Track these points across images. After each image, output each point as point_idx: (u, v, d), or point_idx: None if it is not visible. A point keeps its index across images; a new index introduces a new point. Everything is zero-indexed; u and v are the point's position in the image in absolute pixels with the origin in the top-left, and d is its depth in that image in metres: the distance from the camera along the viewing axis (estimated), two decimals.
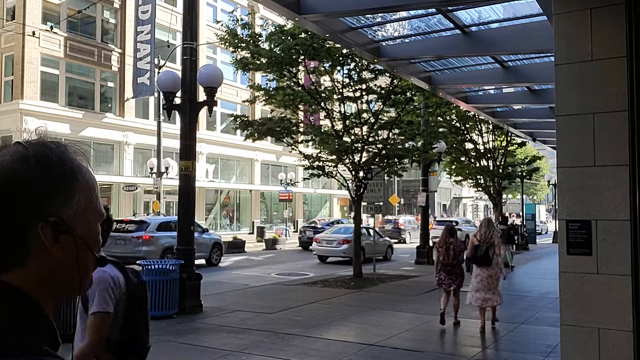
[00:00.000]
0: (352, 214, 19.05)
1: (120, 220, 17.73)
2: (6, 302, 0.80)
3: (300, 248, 26.52)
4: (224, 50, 24.41)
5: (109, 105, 27.37)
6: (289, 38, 13.28)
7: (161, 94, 13.05)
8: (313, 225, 27.82)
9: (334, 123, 15.00)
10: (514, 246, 19.49)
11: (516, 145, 25.92)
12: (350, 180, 15.14)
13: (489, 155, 24.28)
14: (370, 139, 14.85)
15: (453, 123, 22.34)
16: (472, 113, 18.81)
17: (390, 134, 15.30)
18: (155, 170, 23.92)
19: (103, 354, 2.70)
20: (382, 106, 15.09)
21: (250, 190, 35.73)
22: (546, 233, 43.94)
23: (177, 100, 10.40)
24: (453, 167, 25.47)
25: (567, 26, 3.98)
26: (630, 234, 3.68)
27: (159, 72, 22.31)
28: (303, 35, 13.06)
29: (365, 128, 15.05)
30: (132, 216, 22.33)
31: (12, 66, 23.91)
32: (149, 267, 9.33)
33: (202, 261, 18.14)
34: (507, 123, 16.60)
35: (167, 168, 24.05)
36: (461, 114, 21.47)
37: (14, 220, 0.81)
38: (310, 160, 15.04)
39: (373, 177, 15.41)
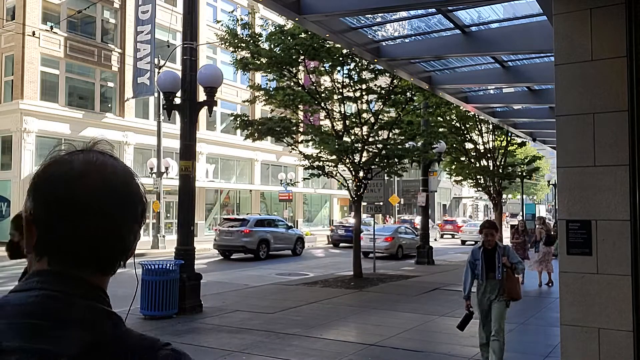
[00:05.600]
0: (353, 214, 19.07)
1: (228, 218, 22.90)
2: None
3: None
4: (224, 50, 24.41)
5: (109, 105, 27.37)
6: (289, 38, 13.27)
7: (161, 94, 13.06)
8: (342, 224, 28.90)
9: (334, 123, 14.99)
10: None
11: (516, 145, 25.89)
12: (350, 180, 15.13)
13: (489, 155, 24.26)
14: (371, 139, 14.84)
15: (453, 123, 22.32)
16: (472, 113, 18.80)
17: (390, 134, 15.29)
18: (155, 170, 23.91)
19: None
20: (382, 106, 15.08)
21: (250, 190, 35.72)
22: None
23: (177, 100, 10.39)
24: (453, 167, 25.45)
25: (567, 26, 3.98)
26: (630, 234, 3.68)
27: (159, 72, 22.30)
28: (303, 35, 13.05)
29: (365, 128, 15.04)
30: (237, 215, 27.74)
31: (12, 66, 23.91)
32: (149, 267, 9.33)
33: (289, 252, 22.50)
34: (507, 123, 16.59)
35: (167, 168, 24.05)
36: (461, 114, 21.45)
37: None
38: (310, 160, 15.03)
39: (373, 177, 15.40)
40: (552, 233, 14.30)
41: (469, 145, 24.20)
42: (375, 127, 14.86)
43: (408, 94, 14.88)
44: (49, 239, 0.86)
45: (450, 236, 38.35)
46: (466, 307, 6.35)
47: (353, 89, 14.64)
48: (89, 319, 0.83)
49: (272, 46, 13.70)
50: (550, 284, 13.85)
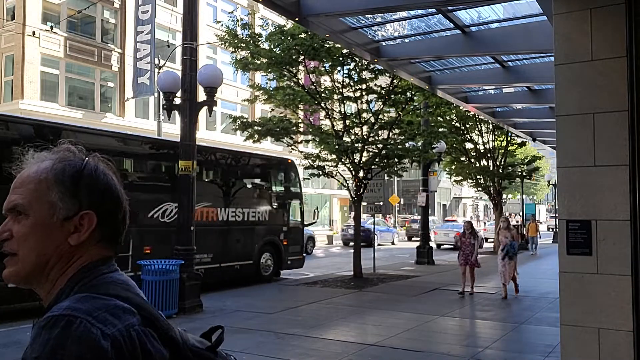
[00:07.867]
0: (353, 214, 19.06)
1: None
2: None
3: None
4: (224, 50, 24.36)
5: (109, 105, 27.36)
6: (288, 38, 13.26)
7: (161, 94, 13.05)
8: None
9: (334, 123, 14.99)
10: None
11: (516, 145, 25.91)
12: (351, 180, 15.14)
13: (489, 155, 24.28)
14: (371, 139, 14.84)
15: (453, 123, 22.33)
16: (472, 113, 18.81)
17: (390, 134, 15.29)
18: None
19: None
20: (382, 106, 15.08)
21: None
22: None
23: (177, 100, 10.40)
24: (453, 167, 25.47)
25: (567, 26, 3.97)
26: (630, 234, 3.68)
27: (159, 72, 22.30)
28: (303, 35, 13.05)
29: (365, 128, 15.04)
30: None
31: (12, 66, 23.90)
32: (149, 267, 9.33)
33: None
34: (507, 123, 16.60)
35: None
36: (461, 114, 21.46)
37: None
38: (311, 160, 15.04)
39: (373, 177, 15.40)
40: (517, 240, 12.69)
41: (469, 145, 24.22)
42: (375, 127, 14.86)
43: (408, 94, 14.87)
44: (109, 227, 1.06)
45: None
46: None
47: (353, 88, 14.64)
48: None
49: (272, 46, 13.69)
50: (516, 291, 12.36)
